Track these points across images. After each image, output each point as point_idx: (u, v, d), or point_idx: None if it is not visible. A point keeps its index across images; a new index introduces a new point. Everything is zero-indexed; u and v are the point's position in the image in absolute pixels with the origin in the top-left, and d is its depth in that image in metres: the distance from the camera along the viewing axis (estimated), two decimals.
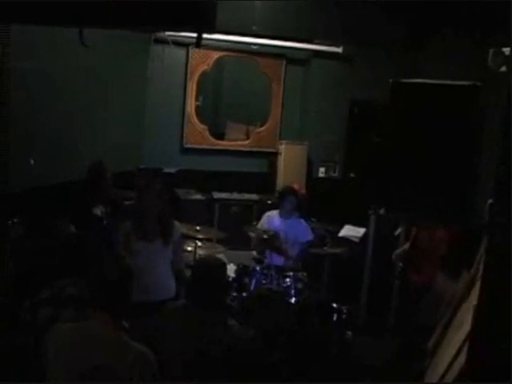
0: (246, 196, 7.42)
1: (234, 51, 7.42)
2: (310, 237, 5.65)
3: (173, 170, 7.25)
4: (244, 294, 4.96)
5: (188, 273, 3.86)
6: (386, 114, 3.74)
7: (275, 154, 7.61)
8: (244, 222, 6.45)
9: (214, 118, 8.04)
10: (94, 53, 4.51)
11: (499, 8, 3.56)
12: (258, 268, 5.15)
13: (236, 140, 7.83)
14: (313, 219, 6.04)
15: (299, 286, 5.14)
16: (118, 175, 5.24)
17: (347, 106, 7.51)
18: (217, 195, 7.29)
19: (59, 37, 4.80)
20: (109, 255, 3.39)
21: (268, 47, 7.32)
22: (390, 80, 3.67)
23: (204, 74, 7.44)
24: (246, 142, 7.80)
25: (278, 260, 5.35)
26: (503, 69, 2.99)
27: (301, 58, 7.66)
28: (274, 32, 6.73)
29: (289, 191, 5.76)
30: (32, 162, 4.80)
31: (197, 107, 7.49)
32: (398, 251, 5.29)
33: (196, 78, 7.37)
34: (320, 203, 6.97)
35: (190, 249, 5.07)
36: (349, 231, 6.25)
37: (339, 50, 7.39)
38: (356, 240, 6.14)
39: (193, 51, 7.22)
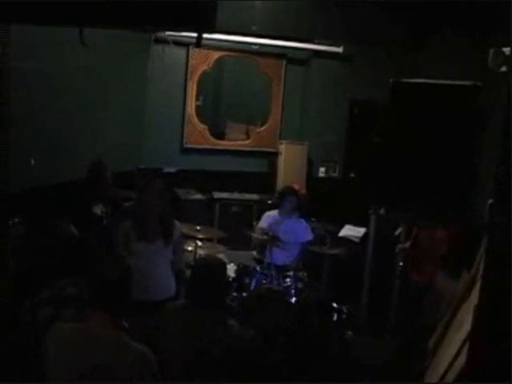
0: (247, 196, 7.42)
1: (234, 51, 7.42)
2: (310, 237, 5.65)
3: (173, 170, 7.25)
4: (244, 294, 4.97)
5: (188, 273, 3.86)
6: (386, 114, 3.75)
7: (275, 154, 7.61)
8: (244, 221, 6.45)
9: (214, 118, 8.03)
10: (94, 53, 4.51)
11: (499, 8, 3.56)
12: (258, 268, 5.16)
13: (236, 140, 7.83)
14: (313, 219, 6.05)
15: (299, 285, 5.15)
16: (118, 175, 5.23)
17: (347, 106, 7.53)
18: (217, 195, 7.29)
19: (59, 37, 4.80)
20: (109, 255, 3.38)
21: (268, 47, 7.32)
22: (390, 80, 3.68)
23: (204, 74, 7.44)
24: (246, 142, 7.80)
25: (278, 260, 5.35)
26: (503, 69, 2.99)
27: (301, 57, 7.66)
28: (274, 32, 6.73)
29: (289, 191, 5.76)
30: (32, 161, 4.80)
31: (197, 107, 7.49)
32: (402, 245, 5.27)
33: (196, 77, 7.36)
34: (320, 203, 6.98)
35: (190, 249, 5.07)
36: (349, 231, 6.25)
37: (339, 49, 7.39)
38: (356, 240, 6.15)
39: (193, 51, 7.22)
